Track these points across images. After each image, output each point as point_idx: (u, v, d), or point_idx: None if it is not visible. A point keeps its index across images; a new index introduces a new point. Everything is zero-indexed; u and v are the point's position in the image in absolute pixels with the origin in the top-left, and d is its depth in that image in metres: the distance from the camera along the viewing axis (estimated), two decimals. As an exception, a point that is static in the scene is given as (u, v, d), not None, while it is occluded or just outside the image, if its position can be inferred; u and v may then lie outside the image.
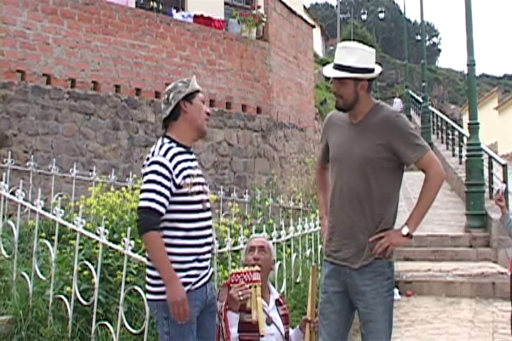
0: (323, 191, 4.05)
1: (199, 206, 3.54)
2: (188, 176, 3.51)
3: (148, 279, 3.55)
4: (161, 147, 3.52)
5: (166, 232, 3.47)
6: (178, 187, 3.46)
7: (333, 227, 3.75)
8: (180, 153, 3.53)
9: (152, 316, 3.76)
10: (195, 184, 3.54)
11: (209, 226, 3.62)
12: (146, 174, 3.46)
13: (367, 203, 3.61)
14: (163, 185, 3.40)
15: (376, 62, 3.75)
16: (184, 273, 3.46)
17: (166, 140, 3.58)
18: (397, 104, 31.57)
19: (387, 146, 3.59)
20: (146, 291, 3.59)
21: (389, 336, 3.69)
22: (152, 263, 3.48)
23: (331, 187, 3.81)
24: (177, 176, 3.45)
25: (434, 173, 3.62)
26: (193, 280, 3.49)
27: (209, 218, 3.63)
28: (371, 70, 3.66)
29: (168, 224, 3.47)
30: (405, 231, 3.59)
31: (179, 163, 3.48)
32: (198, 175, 3.62)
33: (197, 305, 3.50)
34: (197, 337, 3.56)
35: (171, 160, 3.45)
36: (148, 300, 3.63)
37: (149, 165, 3.47)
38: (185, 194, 3.49)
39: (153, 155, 3.51)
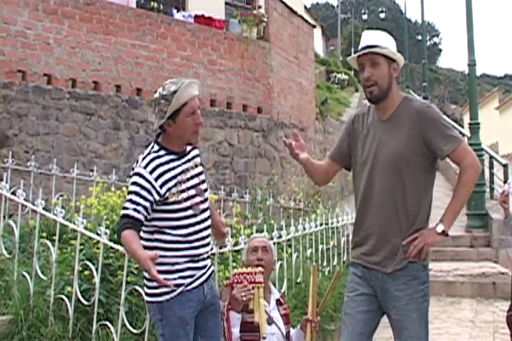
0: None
1: (189, 212, 3.49)
2: (175, 185, 3.45)
3: (145, 281, 3.55)
4: (144, 157, 3.48)
5: (157, 236, 3.46)
6: (164, 197, 3.43)
7: (364, 231, 3.59)
8: (166, 162, 3.47)
9: (150, 316, 3.76)
10: (183, 191, 3.48)
11: (205, 228, 3.57)
12: (130, 184, 3.45)
13: (401, 204, 3.47)
14: (141, 196, 3.36)
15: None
16: (177, 275, 3.44)
17: (155, 147, 3.52)
18: None
19: (421, 140, 3.45)
20: (145, 293, 3.60)
21: None
22: (128, 256, 3.45)
23: (357, 191, 3.66)
24: (161, 187, 3.40)
25: (470, 165, 3.46)
26: (187, 281, 3.46)
27: (205, 220, 3.57)
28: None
29: (158, 229, 3.46)
30: (440, 228, 3.43)
31: (162, 174, 3.43)
32: (191, 178, 3.56)
33: (192, 306, 3.47)
34: (200, 337, 3.56)
35: (152, 172, 3.40)
36: (146, 301, 3.63)
37: (132, 175, 3.46)
38: (173, 202, 3.45)
39: (137, 164, 3.49)
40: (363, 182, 3.59)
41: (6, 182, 5.96)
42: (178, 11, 13.03)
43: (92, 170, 8.56)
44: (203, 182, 3.65)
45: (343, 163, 3.78)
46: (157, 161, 3.45)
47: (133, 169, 3.50)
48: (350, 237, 3.96)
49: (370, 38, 3.54)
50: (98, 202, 6.61)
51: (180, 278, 3.44)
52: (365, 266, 3.59)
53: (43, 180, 8.66)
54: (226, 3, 15.37)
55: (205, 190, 3.64)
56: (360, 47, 3.57)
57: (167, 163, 3.47)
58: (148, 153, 3.49)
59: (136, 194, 3.37)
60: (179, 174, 3.50)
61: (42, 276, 5.11)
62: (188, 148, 3.63)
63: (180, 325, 3.43)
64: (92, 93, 10.21)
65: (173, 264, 3.44)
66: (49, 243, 5.17)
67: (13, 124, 9.14)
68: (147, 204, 3.37)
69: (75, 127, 9.91)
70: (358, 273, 3.64)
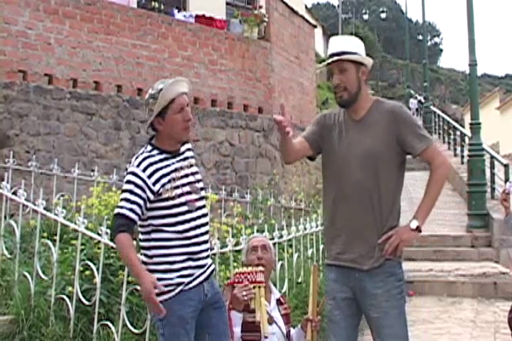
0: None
1: (184, 208, 3.50)
2: (168, 182, 3.48)
3: None
4: (137, 157, 3.52)
5: (154, 235, 3.47)
6: (158, 194, 3.45)
7: (338, 230, 3.61)
8: (160, 160, 3.50)
9: (151, 317, 3.77)
10: (176, 187, 3.49)
11: (203, 225, 3.57)
12: (124, 182, 3.49)
13: (377, 200, 3.52)
14: (135, 194, 3.40)
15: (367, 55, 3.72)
16: (176, 274, 3.44)
17: (148, 147, 3.56)
18: (414, 104, 31.45)
19: (394, 138, 3.53)
20: None
21: None
22: (123, 262, 3.47)
23: (328, 189, 3.69)
24: (154, 184, 3.43)
25: (441, 164, 3.56)
26: (187, 280, 3.46)
27: (201, 216, 3.57)
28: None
29: (154, 228, 3.48)
30: (414, 224, 3.48)
31: (155, 171, 3.46)
32: (186, 176, 3.57)
33: (192, 306, 3.47)
34: (208, 334, 3.56)
35: (144, 170, 3.44)
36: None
37: (126, 175, 3.50)
38: (167, 199, 3.47)
39: (130, 163, 3.53)
40: (336, 180, 3.63)
41: (7, 182, 5.97)
42: (179, 11, 13.03)
43: (92, 170, 8.57)
44: (199, 181, 3.65)
45: (313, 147, 3.74)
46: (150, 160, 3.49)
47: (126, 169, 3.54)
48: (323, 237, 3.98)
49: (336, 44, 3.62)
50: (99, 202, 6.62)
51: (179, 277, 3.44)
52: (341, 266, 3.60)
53: (43, 180, 8.67)
54: (227, 3, 15.37)
55: (202, 189, 3.65)
56: (328, 54, 3.64)
57: (160, 161, 3.51)
58: (141, 153, 3.54)
59: (131, 192, 3.41)
60: (172, 172, 3.52)
61: (43, 276, 5.12)
62: (182, 148, 3.64)
63: (181, 325, 3.43)
64: (93, 93, 10.21)
65: (171, 263, 3.44)
66: (50, 243, 5.17)
67: (14, 124, 9.14)
68: (141, 202, 3.40)
69: (76, 127, 9.91)
70: (333, 278, 3.66)
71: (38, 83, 9.50)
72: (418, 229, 3.50)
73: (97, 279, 4.73)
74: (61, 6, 9.98)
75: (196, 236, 3.52)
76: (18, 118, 9.19)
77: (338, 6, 55.69)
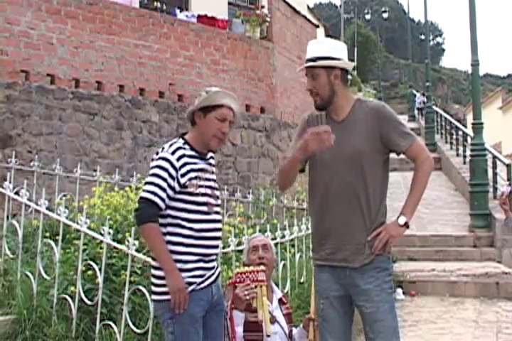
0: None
1: (204, 208, 3.55)
2: (195, 178, 3.54)
3: (153, 279, 3.56)
4: (171, 145, 3.58)
5: (170, 229, 3.50)
6: (183, 186, 3.49)
7: (326, 230, 3.62)
8: (190, 156, 3.57)
9: (158, 316, 3.76)
10: (201, 186, 3.55)
11: (217, 229, 3.63)
12: (152, 168, 3.52)
13: (364, 199, 3.54)
14: (166, 181, 3.44)
15: (350, 59, 3.75)
16: (189, 273, 3.47)
17: (180, 140, 3.63)
18: (420, 99, 31.41)
19: (378, 136, 3.57)
20: (152, 292, 3.60)
21: (398, 336, 3.58)
22: (152, 254, 3.52)
23: (316, 191, 3.69)
24: (182, 176, 3.49)
25: (425, 160, 3.61)
26: (198, 280, 3.50)
27: (217, 221, 3.64)
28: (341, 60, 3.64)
29: (171, 220, 3.50)
30: (402, 220, 3.52)
31: (186, 164, 3.52)
32: (208, 179, 3.64)
33: (202, 305, 3.51)
34: (203, 337, 3.57)
35: (178, 159, 3.50)
36: (153, 300, 3.64)
37: (157, 159, 3.53)
38: (190, 193, 3.51)
39: (162, 150, 3.57)
40: (323, 181, 3.64)
41: (10, 182, 5.96)
42: (181, 11, 13.03)
43: (95, 170, 8.57)
44: (217, 189, 3.73)
45: (304, 163, 3.77)
46: (183, 151, 3.55)
47: (157, 153, 3.58)
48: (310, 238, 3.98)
49: (310, 49, 3.68)
50: (101, 202, 6.62)
51: (191, 277, 3.48)
52: (332, 266, 3.62)
53: (46, 180, 8.67)
54: (229, 3, 15.35)
55: (217, 197, 3.72)
56: (306, 57, 3.70)
57: (191, 156, 3.57)
58: (174, 142, 3.60)
59: (163, 179, 3.45)
60: (199, 170, 3.59)
61: (45, 276, 5.12)
62: (208, 155, 3.71)
63: (191, 323, 3.46)
64: (95, 93, 10.22)
65: (185, 262, 3.47)
66: (52, 243, 5.17)
67: (17, 124, 9.15)
68: (170, 192, 3.46)
69: (78, 127, 9.92)
70: (323, 277, 3.67)
71: (40, 83, 9.51)
72: (406, 225, 3.54)
73: (100, 279, 4.72)
74: (63, 6, 9.99)
75: (210, 238, 3.57)
76: (20, 118, 9.20)
77: (340, 5, 55.72)
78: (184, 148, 3.57)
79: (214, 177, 3.73)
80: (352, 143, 3.56)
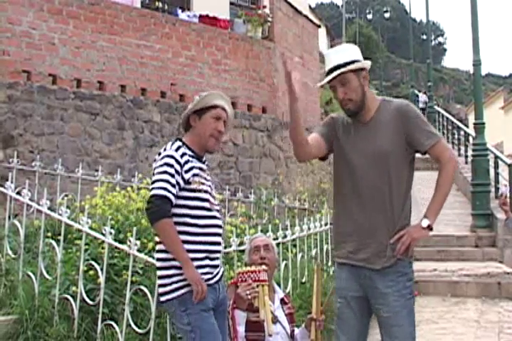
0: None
1: (206, 204, 3.63)
2: (197, 175, 3.63)
3: (159, 281, 3.60)
4: (172, 144, 3.68)
5: (177, 227, 3.53)
6: (187, 182, 3.57)
7: (350, 229, 3.60)
8: (189, 155, 3.67)
9: (170, 315, 3.79)
10: (202, 184, 3.65)
11: (219, 226, 3.70)
12: (158, 166, 3.59)
13: (389, 200, 3.52)
14: (174, 177, 3.52)
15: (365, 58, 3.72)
16: (198, 271, 3.52)
17: (178, 142, 3.71)
18: (423, 98, 31.40)
19: (403, 136, 3.54)
20: (159, 294, 3.64)
21: None
22: (165, 247, 3.54)
23: (340, 190, 3.69)
24: (186, 172, 3.58)
25: (449, 159, 3.56)
26: (206, 277, 3.55)
27: (218, 218, 3.72)
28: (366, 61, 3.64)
29: (177, 219, 3.54)
30: (425, 223, 3.48)
31: (188, 161, 3.62)
32: (206, 180, 3.74)
33: (211, 298, 3.57)
34: None
35: (182, 156, 3.60)
36: (163, 302, 3.65)
37: (162, 158, 3.61)
38: (194, 190, 3.59)
39: (165, 150, 3.66)
40: (348, 180, 3.63)
41: (12, 182, 5.96)
42: (182, 11, 13.02)
43: (96, 170, 8.57)
44: (212, 191, 3.83)
45: (327, 145, 3.73)
46: (184, 149, 3.65)
47: (159, 154, 3.67)
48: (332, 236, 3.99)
49: (333, 58, 3.63)
50: (103, 202, 6.62)
51: (201, 274, 3.52)
52: (352, 265, 3.60)
53: (47, 180, 8.68)
54: (231, 3, 15.34)
55: (215, 198, 3.82)
56: (326, 69, 3.66)
57: (190, 156, 3.68)
58: (174, 142, 3.71)
59: (172, 175, 3.53)
60: (200, 169, 3.70)
61: (47, 276, 5.12)
62: (204, 158, 3.80)
63: (206, 310, 3.52)
64: (97, 93, 10.22)
65: (192, 260, 3.51)
66: (54, 243, 5.17)
67: (18, 124, 9.15)
68: (177, 188, 3.54)
69: (80, 127, 9.92)
70: (343, 276, 3.66)
71: (41, 83, 9.51)
72: (429, 228, 3.50)
73: (101, 279, 4.72)
74: (65, 6, 9.99)
75: (214, 234, 3.64)
76: (22, 118, 9.20)
77: (342, 5, 55.68)
78: (184, 148, 3.67)
79: (210, 179, 3.82)
80: (378, 143, 3.55)
